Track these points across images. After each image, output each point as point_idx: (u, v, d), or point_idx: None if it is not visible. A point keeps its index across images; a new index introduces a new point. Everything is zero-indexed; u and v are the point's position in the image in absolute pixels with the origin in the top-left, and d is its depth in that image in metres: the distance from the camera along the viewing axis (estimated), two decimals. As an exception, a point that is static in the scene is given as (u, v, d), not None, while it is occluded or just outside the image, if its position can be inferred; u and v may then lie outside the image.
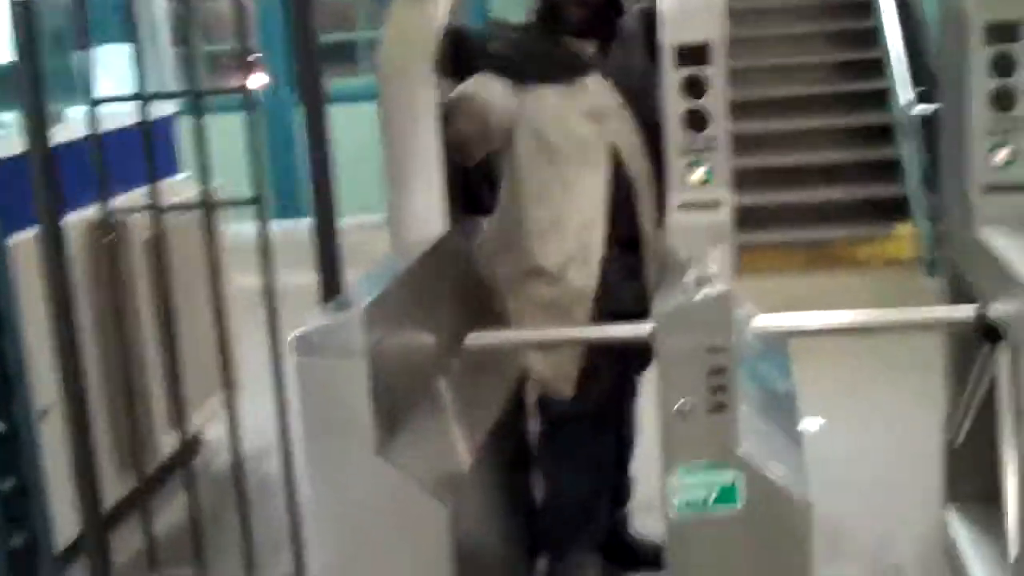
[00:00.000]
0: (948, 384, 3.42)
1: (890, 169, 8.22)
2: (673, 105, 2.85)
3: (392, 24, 3.10)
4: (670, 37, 2.86)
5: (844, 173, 8.36)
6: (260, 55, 11.02)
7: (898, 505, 3.96)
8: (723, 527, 2.38)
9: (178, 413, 3.43)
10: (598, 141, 3.17)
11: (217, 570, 3.58)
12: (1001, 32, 2.77)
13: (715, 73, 2.85)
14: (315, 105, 3.11)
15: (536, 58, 3.21)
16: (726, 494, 2.35)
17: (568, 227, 3.17)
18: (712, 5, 2.91)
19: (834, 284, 7.17)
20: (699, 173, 2.87)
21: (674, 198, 2.88)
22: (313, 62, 3.11)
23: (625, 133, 3.19)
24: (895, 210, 7.90)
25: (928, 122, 7.10)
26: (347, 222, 3.40)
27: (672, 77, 2.85)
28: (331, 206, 3.15)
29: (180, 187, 4.79)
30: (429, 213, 2.98)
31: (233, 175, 4.28)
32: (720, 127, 2.86)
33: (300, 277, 3.47)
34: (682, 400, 2.29)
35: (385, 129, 2.98)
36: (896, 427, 4.63)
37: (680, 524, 2.39)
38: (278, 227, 3.64)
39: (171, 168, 4.85)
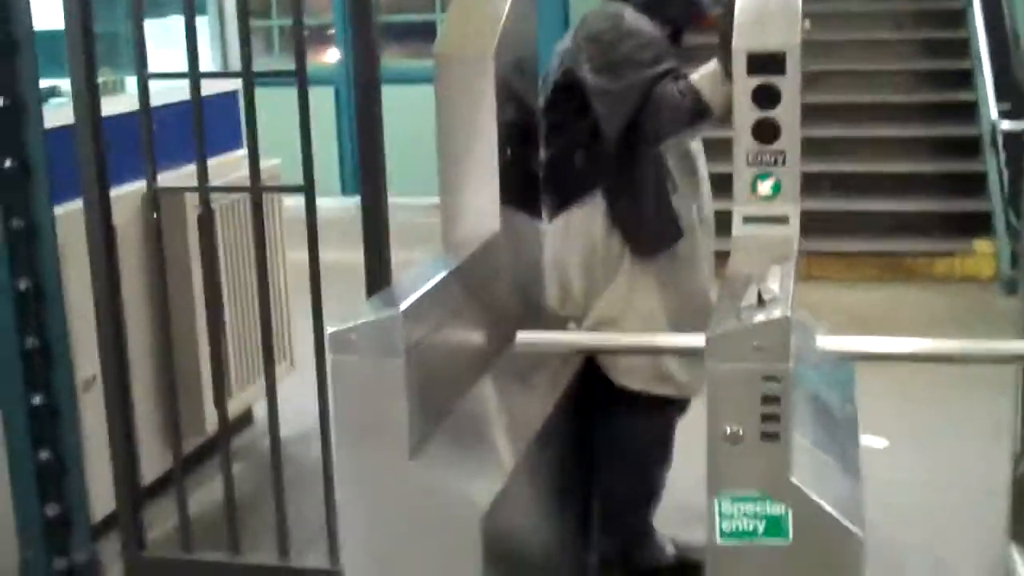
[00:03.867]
0: (1020, 416, 3.27)
1: (973, 183, 7.99)
2: (743, 114, 2.73)
3: (454, 11, 3.01)
4: (742, 43, 2.73)
5: (925, 184, 8.14)
6: (333, 31, 11.06)
7: (959, 537, 3.82)
8: (770, 556, 2.26)
9: (218, 391, 3.38)
10: None
11: (252, 554, 3.52)
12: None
13: (789, 83, 2.72)
14: (367, 85, 3.02)
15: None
16: (775, 525, 2.24)
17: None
18: (789, 11, 2.78)
19: (908, 298, 6.99)
20: (766, 186, 2.75)
21: (739, 210, 2.77)
22: (369, 41, 3.02)
23: None
24: (976, 226, 7.67)
25: (1015, 139, 6.91)
26: (401, 202, 3.32)
27: (742, 85, 2.73)
28: (381, 187, 3.07)
29: (241, 162, 4.77)
30: (484, 208, 2.89)
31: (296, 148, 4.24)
32: (791, 140, 2.74)
33: (355, 253, 3.39)
34: (732, 427, 2.17)
35: (441, 119, 2.89)
36: (962, 452, 4.48)
37: (723, 551, 2.28)
38: (342, 203, 3.58)
39: (234, 142, 4.80)
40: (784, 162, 2.76)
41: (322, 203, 3.32)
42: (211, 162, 3.58)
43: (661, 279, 3.33)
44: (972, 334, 5.70)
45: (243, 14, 2.94)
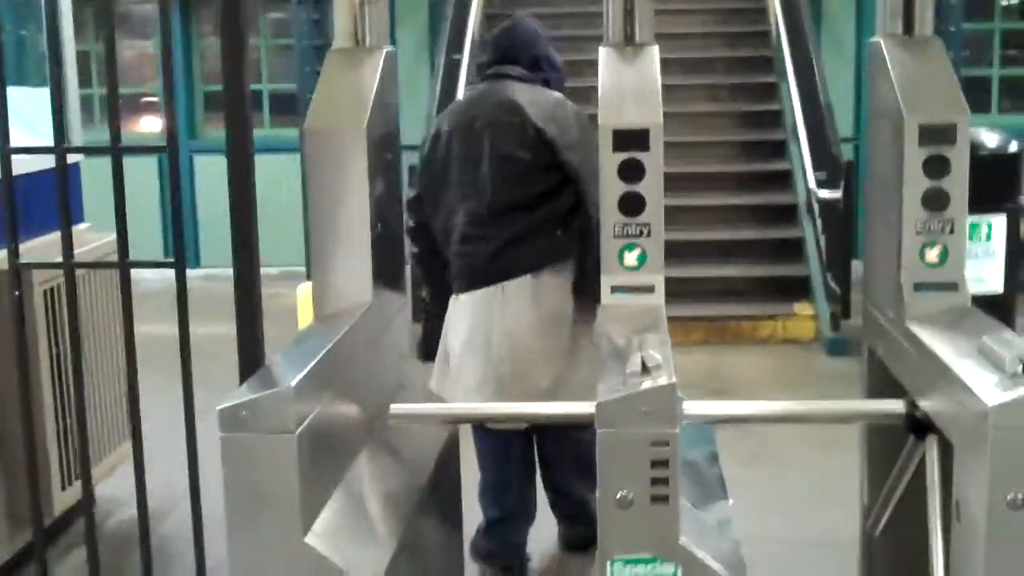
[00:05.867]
0: (867, 471, 3.41)
1: (792, 249, 8.34)
2: (609, 189, 2.84)
3: (324, 86, 3.04)
4: (608, 120, 2.84)
5: (746, 251, 8.46)
6: (156, 99, 10.93)
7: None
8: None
9: (83, 466, 3.28)
10: None
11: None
12: (936, 134, 2.79)
13: (652, 159, 2.84)
14: (241, 156, 3.01)
15: None
16: (667, 586, 2.31)
17: None
18: (650, 90, 2.91)
19: (737, 361, 7.23)
20: (633, 257, 2.85)
21: (607, 280, 2.86)
22: (243, 113, 3.02)
23: None
24: (796, 290, 8.01)
25: (830, 206, 7.24)
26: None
27: (609, 161, 2.83)
28: (254, 260, 3.05)
29: (83, 236, 4.66)
30: (356, 282, 2.91)
31: (132, 216, 4.15)
32: (655, 212, 2.85)
33: (202, 327, 3.35)
34: (622, 491, 2.24)
35: (311, 193, 2.91)
36: (812, 507, 4.63)
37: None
38: (165, 275, 3.52)
39: (76, 216, 4.70)
40: (649, 233, 2.87)
41: (144, 275, 3.27)
42: (50, 237, 3.51)
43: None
44: (799, 393, 5.93)
45: (112, 88, 2.91)
